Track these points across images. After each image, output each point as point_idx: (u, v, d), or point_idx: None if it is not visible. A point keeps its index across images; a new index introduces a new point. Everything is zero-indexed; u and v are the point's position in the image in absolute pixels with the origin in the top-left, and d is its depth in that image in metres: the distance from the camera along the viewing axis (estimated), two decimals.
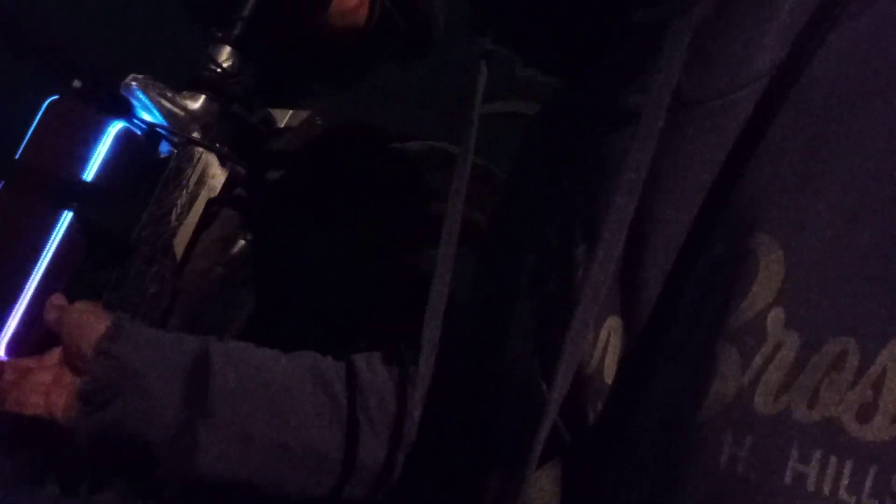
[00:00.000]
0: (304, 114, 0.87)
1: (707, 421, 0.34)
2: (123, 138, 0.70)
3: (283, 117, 0.85)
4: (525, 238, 0.49)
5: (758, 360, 0.33)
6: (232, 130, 0.80)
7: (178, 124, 0.75)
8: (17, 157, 0.68)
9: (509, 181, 0.58)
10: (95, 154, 0.68)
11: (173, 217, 0.75)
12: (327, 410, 0.60)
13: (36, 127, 0.69)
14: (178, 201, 0.75)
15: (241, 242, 0.83)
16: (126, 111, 0.71)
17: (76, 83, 0.69)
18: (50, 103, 0.69)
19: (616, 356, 0.39)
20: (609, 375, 0.39)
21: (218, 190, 0.78)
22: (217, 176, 0.78)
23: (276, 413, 0.59)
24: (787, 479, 0.32)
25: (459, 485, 0.48)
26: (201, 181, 0.77)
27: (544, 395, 0.40)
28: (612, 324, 0.40)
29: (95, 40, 0.71)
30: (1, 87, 0.78)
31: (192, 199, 0.76)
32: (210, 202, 0.77)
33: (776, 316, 0.33)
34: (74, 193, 0.66)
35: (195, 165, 0.76)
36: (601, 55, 0.44)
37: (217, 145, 0.76)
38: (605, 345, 0.40)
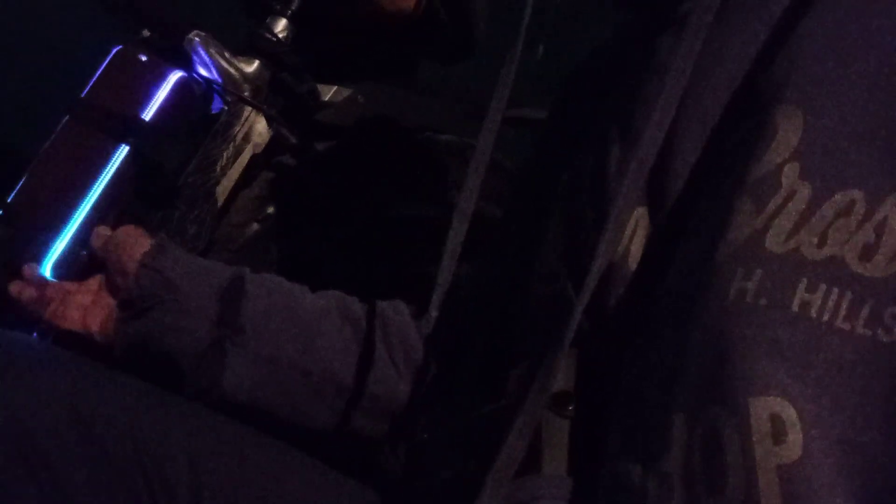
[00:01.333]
0: (347, 91, 0.92)
1: (719, 263, 0.37)
2: (181, 88, 0.75)
3: (328, 92, 0.90)
4: (560, 161, 0.52)
5: (771, 206, 0.37)
6: (280, 97, 0.86)
7: (232, 83, 0.80)
8: (82, 95, 0.74)
9: (546, 124, 0.61)
10: (155, 98, 0.73)
11: (218, 167, 0.80)
12: (351, 343, 0.63)
13: (103, 70, 0.75)
14: (224, 153, 0.80)
15: (277, 203, 0.88)
16: (186, 64, 0.77)
17: (145, 32, 0.75)
18: (118, 50, 0.75)
19: (641, 243, 0.43)
20: (634, 261, 0.43)
21: (262, 148, 0.83)
22: (262, 135, 0.83)
23: (301, 339, 0.62)
24: (795, 307, 0.36)
25: (477, 388, 0.51)
26: (247, 138, 0.82)
27: (568, 291, 0.43)
28: (639, 213, 0.43)
29: None
30: (76, 34, 0.84)
31: (237, 153, 0.82)
32: (253, 158, 0.82)
33: (791, 169, 0.37)
34: (132, 129, 0.71)
35: (243, 123, 0.82)
36: None
37: (265, 107, 0.82)
38: (631, 233, 0.43)
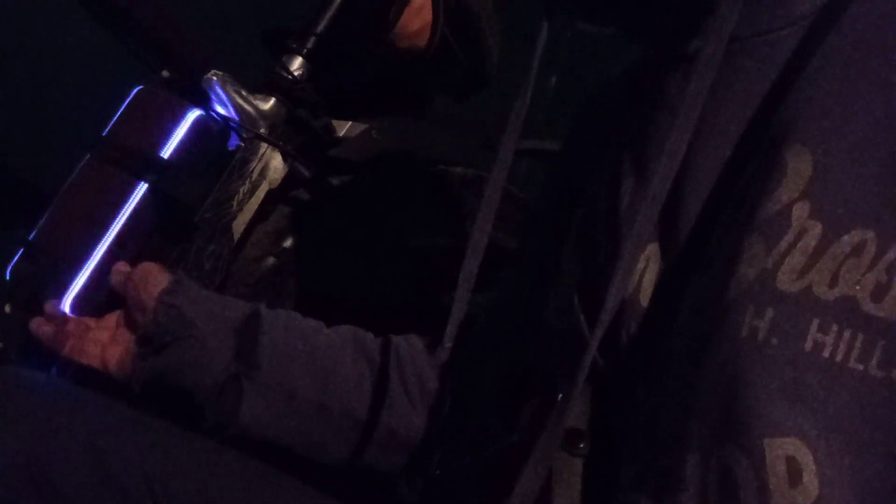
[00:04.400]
0: (361, 126, 0.93)
1: (731, 301, 0.38)
2: (199, 126, 0.77)
3: (343, 128, 0.92)
4: (574, 194, 0.53)
5: (782, 245, 0.37)
6: (296, 133, 0.87)
7: (249, 120, 0.82)
8: (104, 133, 0.76)
9: (560, 156, 0.62)
10: (174, 136, 0.75)
11: (235, 203, 0.81)
12: (366, 378, 0.64)
13: (124, 109, 0.77)
14: (241, 189, 0.82)
15: (293, 237, 0.89)
16: (204, 102, 0.79)
17: (164, 73, 0.77)
18: (139, 90, 0.77)
19: (653, 279, 0.43)
20: (645, 298, 0.43)
21: (278, 183, 0.84)
22: (278, 170, 0.84)
23: (317, 374, 0.63)
24: (808, 347, 0.36)
25: (491, 422, 0.51)
26: (263, 174, 0.83)
27: (582, 326, 0.44)
28: (651, 250, 0.44)
29: (184, 37, 0.79)
30: (99, 74, 0.86)
31: (254, 188, 0.83)
32: (269, 194, 0.83)
33: (801, 208, 0.37)
34: (151, 167, 0.73)
35: (259, 159, 0.83)
36: (660, 6, 0.48)
37: (281, 143, 0.83)
38: (643, 269, 0.44)
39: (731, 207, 0.41)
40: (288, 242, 0.88)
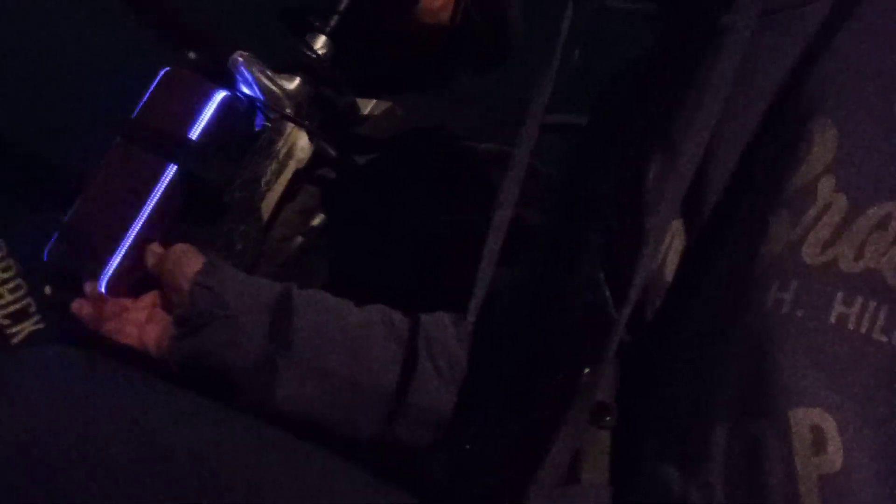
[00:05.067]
0: (385, 104, 0.94)
1: (756, 274, 0.38)
2: (226, 106, 0.77)
3: (367, 106, 0.92)
4: (599, 170, 0.53)
5: (806, 218, 0.37)
6: (321, 112, 0.88)
7: (274, 100, 0.83)
8: (133, 116, 0.77)
9: (584, 132, 0.62)
10: (201, 117, 0.76)
11: (262, 183, 0.82)
12: (396, 355, 0.64)
13: (152, 91, 0.78)
14: (268, 169, 0.83)
15: (321, 216, 0.90)
16: (230, 83, 0.79)
17: (191, 55, 0.78)
18: (166, 72, 0.78)
19: (677, 255, 0.43)
20: (670, 273, 0.43)
21: (304, 163, 0.85)
22: (304, 150, 0.85)
23: (349, 352, 0.64)
24: (832, 319, 0.36)
25: (516, 397, 0.51)
26: (290, 153, 0.84)
27: (607, 301, 0.44)
28: (675, 225, 0.44)
29: (209, 19, 0.80)
30: (126, 58, 0.87)
31: (281, 168, 0.84)
32: (296, 173, 0.84)
33: (827, 182, 0.38)
34: (180, 149, 0.74)
35: (286, 139, 0.84)
36: None
37: (306, 123, 0.84)
38: (668, 245, 0.44)
39: (756, 182, 0.41)
40: (316, 221, 0.89)
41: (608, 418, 0.42)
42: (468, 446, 0.50)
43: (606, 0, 0.50)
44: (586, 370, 0.41)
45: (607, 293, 0.46)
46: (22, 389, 0.54)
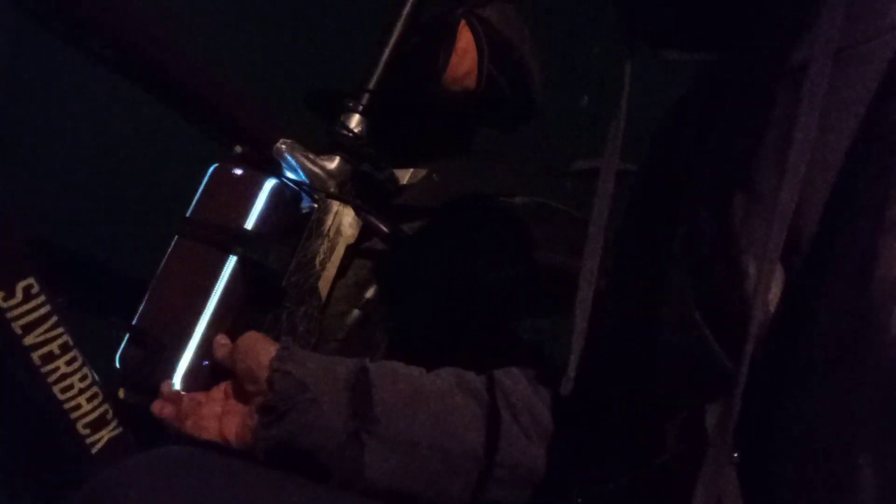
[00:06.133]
0: (422, 171, 0.96)
1: (874, 302, 0.38)
2: (276, 194, 0.79)
3: (405, 175, 0.94)
4: (667, 213, 0.54)
5: None
6: (362, 187, 0.90)
7: (319, 182, 0.85)
8: (188, 214, 0.79)
9: (641, 174, 0.63)
10: (255, 207, 0.78)
11: (317, 263, 0.84)
12: (478, 416, 0.64)
13: (204, 187, 0.80)
14: (321, 248, 0.84)
15: (374, 287, 0.92)
16: (277, 170, 0.82)
17: (237, 149, 0.80)
18: (215, 168, 0.80)
19: (779, 290, 0.44)
20: (772, 308, 0.43)
21: (354, 238, 0.87)
22: (352, 225, 0.87)
23: (434, 420, 0.64)
24: None
25: (627, 445, 0.51)
26: (339, 231, 0.86)
27: (708, 338, 0.44)
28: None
29: (252, 111, 0.83)
30: (179, 154, 0.90)
31: (332, 246, 0.85)
32: (347, 249, 0.86)
33: None
34: (238, 239, 0.76)
35: (333, 217, 0.86)
36: (750, 23, 0.49)
37: (351, 199, 0.86)
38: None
39: (852, 212, 0.41)
40: (370, 293, 0.90)
41: (735, 455, 0.42)
42: (580, 500, 0.49)
43: (662, 52, 0.52)
44: (708, 408, 0.42)
45: (707, 331, 0.47)
46: (145, 491, 0.54)
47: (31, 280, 0.68)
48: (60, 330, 0.70)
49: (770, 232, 0.40)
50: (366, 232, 0.89)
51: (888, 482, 0.36)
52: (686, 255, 0.50)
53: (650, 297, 0.53)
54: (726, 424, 0.38)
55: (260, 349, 0.68)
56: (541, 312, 1.08)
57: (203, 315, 0.75)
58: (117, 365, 0.76)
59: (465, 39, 0.92)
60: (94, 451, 0.74)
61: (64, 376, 0.71)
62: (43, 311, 0.69)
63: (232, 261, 0.77)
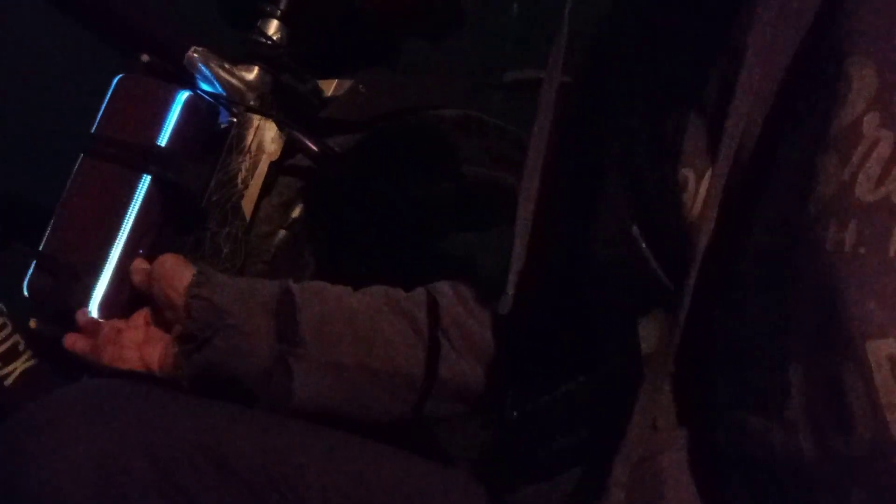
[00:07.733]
0: (347, 83, 0.91)
1: (811, 217, 0.38)
2: (190, 107, 0.74)
3: (330, 87, 0.89)
4: (600, 127, 0.52)
5: (856, 157, 0.37)
6: (284, 100, 0.85)
7: (237, 94, 0.80)
8: (92, 130, 0.73)
9: (576, 90, 0.61)
10: (167, 121, 0.72)
11: (239, 181, 0.80)
12: (407, 334, 0.63)
13: (108, 101, 0.74)
14: (242, 165, 0.80)
15: (301, 206, 0.88)
16: (189, 82, 0.76)
17: (144, 58, 0.74)
18: (120, 79, 0.74)
19: (701, 199, 0.43)
20: (711, 221, 0.43)
21: (277, 154, 0.82)
22: (275, 141, 0.82)
23: (361, 339, 0.62)
24: (891, 252, 0.36)
25: (562, 358, 0.51)
26: (261, 147, 0.81)
27: (644, 253, 0.43)
28: (709, 173, 0.43)
29: (159, 18, 0.76)
30: (74, 67, 0.82)
31: (255, 163, 0.81)
32: (270, 166, 0.82)
33: (871, 119, 0.37)
34: (151, 157, 0.70)
35: (255, 132, 0.81)
36: None
37: (273, 112, 0.81)
38: (695, 191, 0.43)
39: (795, 126, 0.40)
40: (296, 212, 0.86)
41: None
42: (515, 413, 0.49)
43: None
44: (640, 321, 0.41)
45: (643, 244, 0.46)
46: (79, 425, 0.51)
47: None
48: None
49: (719, 147, 0.39)
50: (290, 148, 0.84)
51: (818, 393, 0.37)
52: (621, 167, 0.49)
53: (587, 211, 0.51)
54: (668, 347, 0.38)
55: (176, 274, 0.65)
56: (470, 226, 1.07)
57: (117, 239, 0.70)
58: (25, 293, 0.71)
59: None
60: (6, 382, 0.71)
61: None
62: None
63: (146, 180, 0.72)
